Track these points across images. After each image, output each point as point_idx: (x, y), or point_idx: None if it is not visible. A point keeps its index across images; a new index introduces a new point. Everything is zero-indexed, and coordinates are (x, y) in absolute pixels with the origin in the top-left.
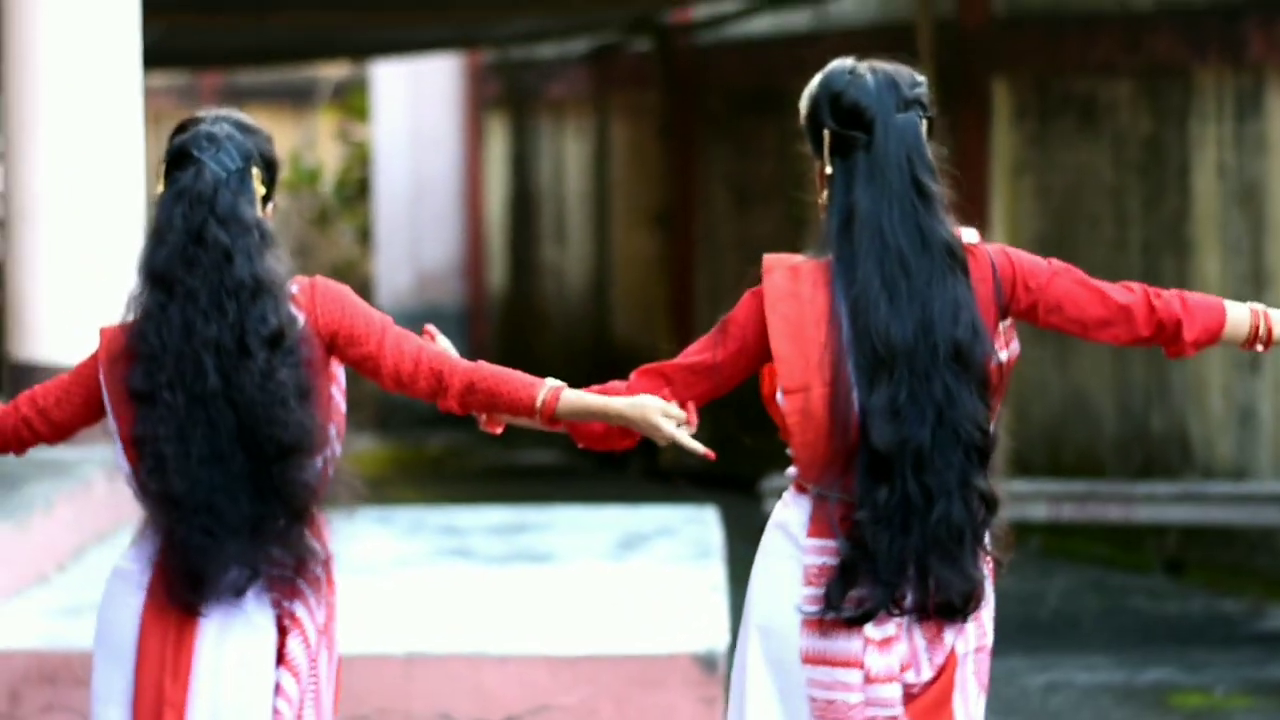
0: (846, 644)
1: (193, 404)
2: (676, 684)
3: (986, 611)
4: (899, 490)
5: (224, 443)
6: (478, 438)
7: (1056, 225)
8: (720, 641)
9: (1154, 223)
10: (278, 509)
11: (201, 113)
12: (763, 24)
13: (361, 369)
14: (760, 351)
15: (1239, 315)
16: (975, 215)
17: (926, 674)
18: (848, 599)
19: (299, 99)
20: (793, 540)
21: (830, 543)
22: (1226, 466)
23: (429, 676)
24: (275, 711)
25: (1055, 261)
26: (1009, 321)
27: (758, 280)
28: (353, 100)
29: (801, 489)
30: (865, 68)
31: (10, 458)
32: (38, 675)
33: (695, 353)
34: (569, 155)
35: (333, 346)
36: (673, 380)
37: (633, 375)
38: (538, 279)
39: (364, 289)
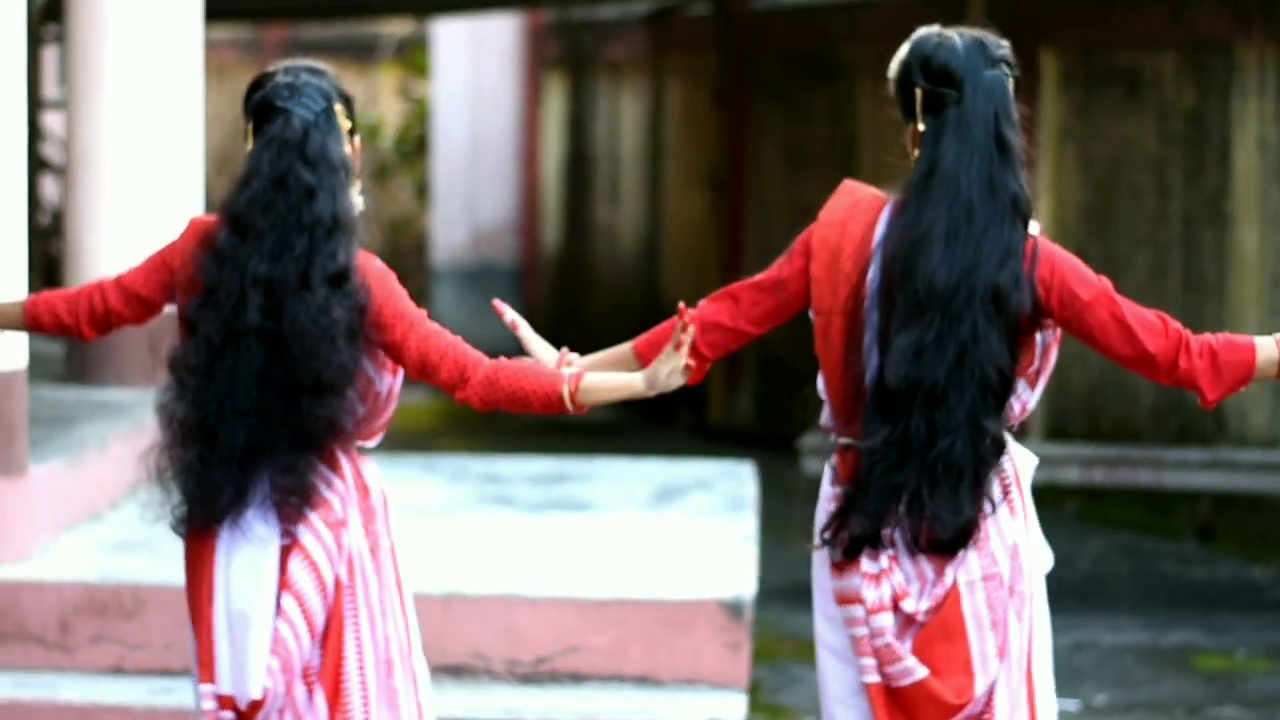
0: (851, 581)
1: (227, 340)
2: (703, 629)
3: (997, 543)
4: (901, 428)
5: (243, 376)
6: None
7: (1100, 194)
8: (747, 589)
9: (1195, 195)
10: (281, 439)
11: (271, 67)
12: None
13: (388, 353)
14: None
15: (1268, 357)
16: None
17: (925, 603)
18: (841, 534)
19: (362, 54)
20: (824, 490)
21: (844, 489)
22: (1260, 436)
23: (464, 616)
24: (275, 631)
25: (1103, 284)
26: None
27: None
28: (414, 57)
29: (839, 451)
30: (953, 31)
31: (70, 398)
32: (88, 607)
33: (763, 273)
34: (625, 116)
35: (394, 319)
36: (739, 299)
37: (703, 302)
38: (591, 238)
39: (420, 244)
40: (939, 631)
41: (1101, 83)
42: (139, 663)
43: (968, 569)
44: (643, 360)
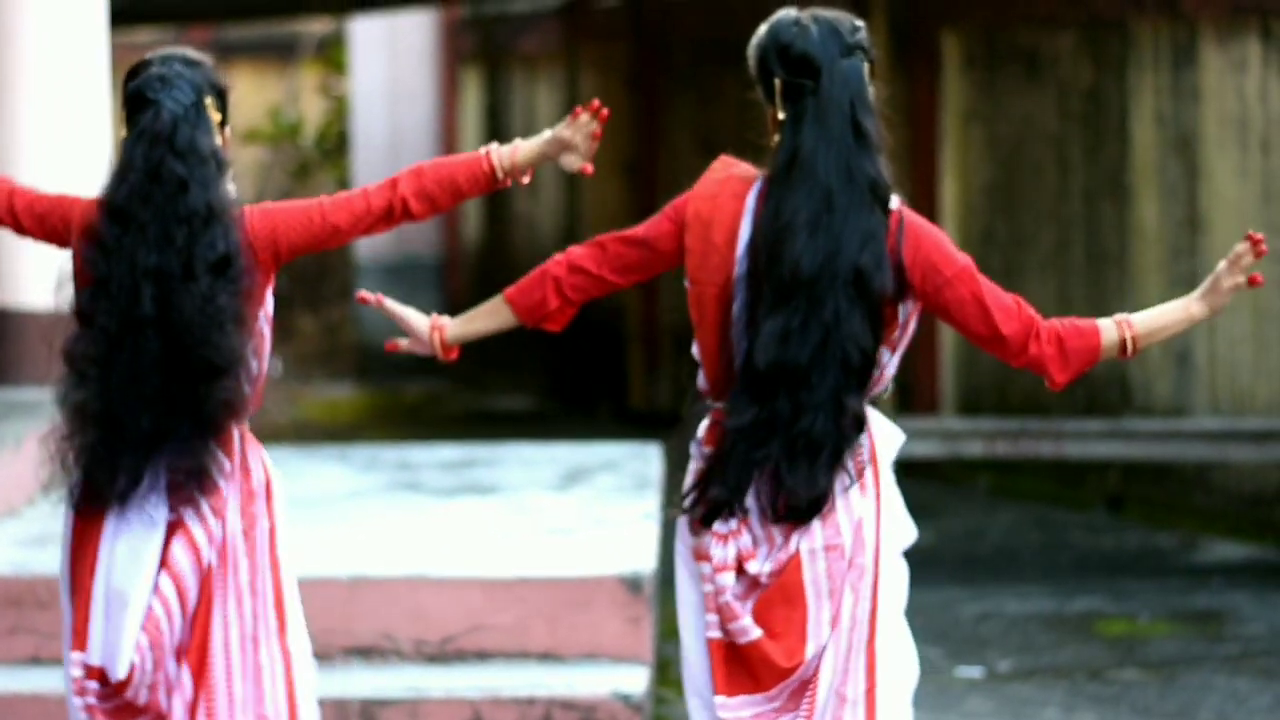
0: (703, 540)
1: (123, 329)
2: (604, 604)
3: (843, 517)
4: (768, 408)
5: (145, 365)
6: (454, 385)
7: (1004, 173)
8: (646, 565)
9: (1095, 170)
10: (183, 424)
11: (149, 56)
12: None
13: (326, 243)
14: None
15: (1110, 340)
16: (926, 163)
17: (769, 565)
18: (702, 500)
19: (283, 53)
20: (695, 448)
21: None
22: (1164, 406)
23: (371, 599)
24: (148, 609)
25: (965, 262)
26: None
27: None
28: (334, 55)
29: (702, 398)
30: (809, 17)
31: None
32: (4, 600)
33: (633, 229)
34: (541, 108)
35: (281, 250)
36: (606, 249)
37: (573, 247)
38: (511, 229)
39: None
40: (779, 595)
41: (1003, 62)
42: (55, 652)
43: (811, 538)
44: (513, 305)
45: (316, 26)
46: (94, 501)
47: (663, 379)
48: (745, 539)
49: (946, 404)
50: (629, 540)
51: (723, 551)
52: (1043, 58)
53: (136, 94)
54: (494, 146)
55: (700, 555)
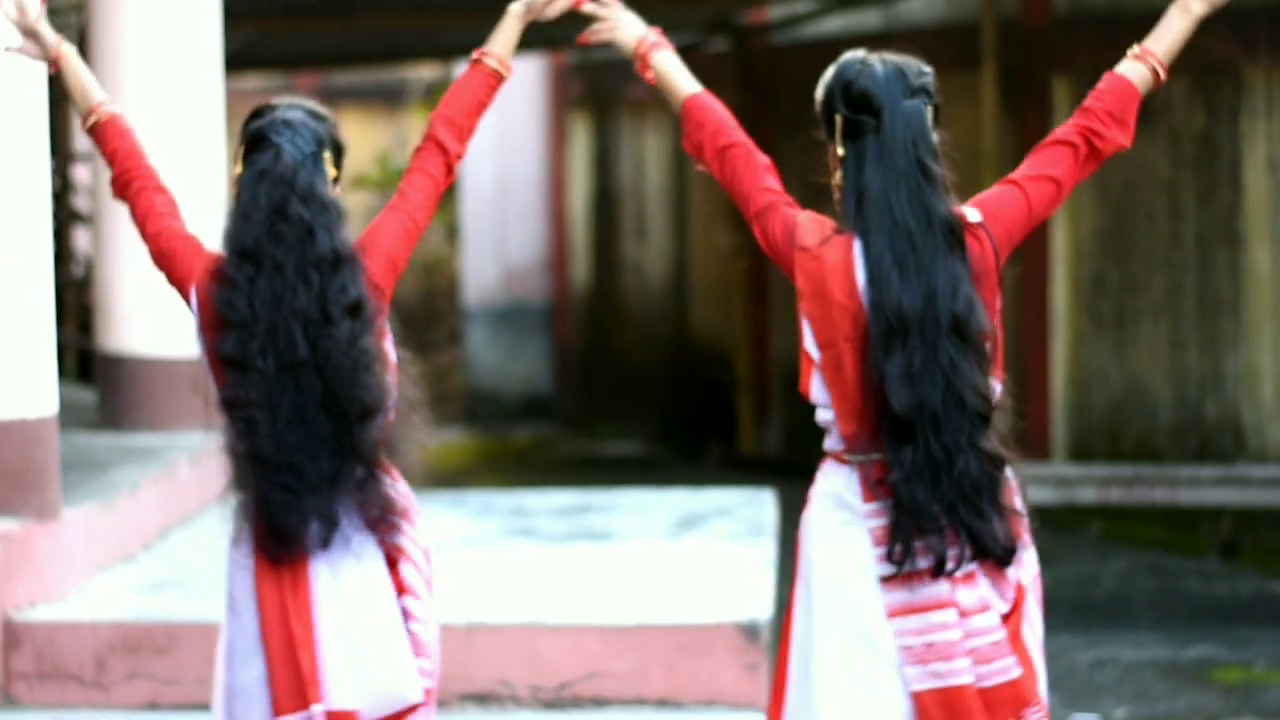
0: (934, 589)
1: (282, 371)
2: (721, 651)
3: (1027, 553)
4: (923, 448)
5: (309, 407)
6: (564, 430)
7: (1115, 219)
8: (763, 612)
9: (1207, 216)
10: (355, 464)
11: (275, 100)
12: (835, 24)
13: (426, 218)
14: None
15: (1142, 77)
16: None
17: (1004, 607)
18: (917, 552)
19: (391, 99)
20: (849, 507)
21: (881, 505)
22: (1278, 452)
23: (488, 645)
24: (411, 634)
25: (1016, 179)
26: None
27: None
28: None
29: (840, 459)
30: (875, 58)
31: (103, 444)
32: (122, 646)
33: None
34: (649, 153)
35: (399, 270)
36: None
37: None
38: (619, 275)
39: (452, 285)
40: (1013, 632)
41: None
42: (173, 698)
43: (1024, 569)
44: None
45: (424, 72)
46: (287, 549)
47: (772, 424)
48: (984, 581)
49: (1058, 449)
50: (745, 587)
51: (974, 593)
52: (1155, 103)
53: (258, 134)
54: (484, 50)
55: (923, 607)
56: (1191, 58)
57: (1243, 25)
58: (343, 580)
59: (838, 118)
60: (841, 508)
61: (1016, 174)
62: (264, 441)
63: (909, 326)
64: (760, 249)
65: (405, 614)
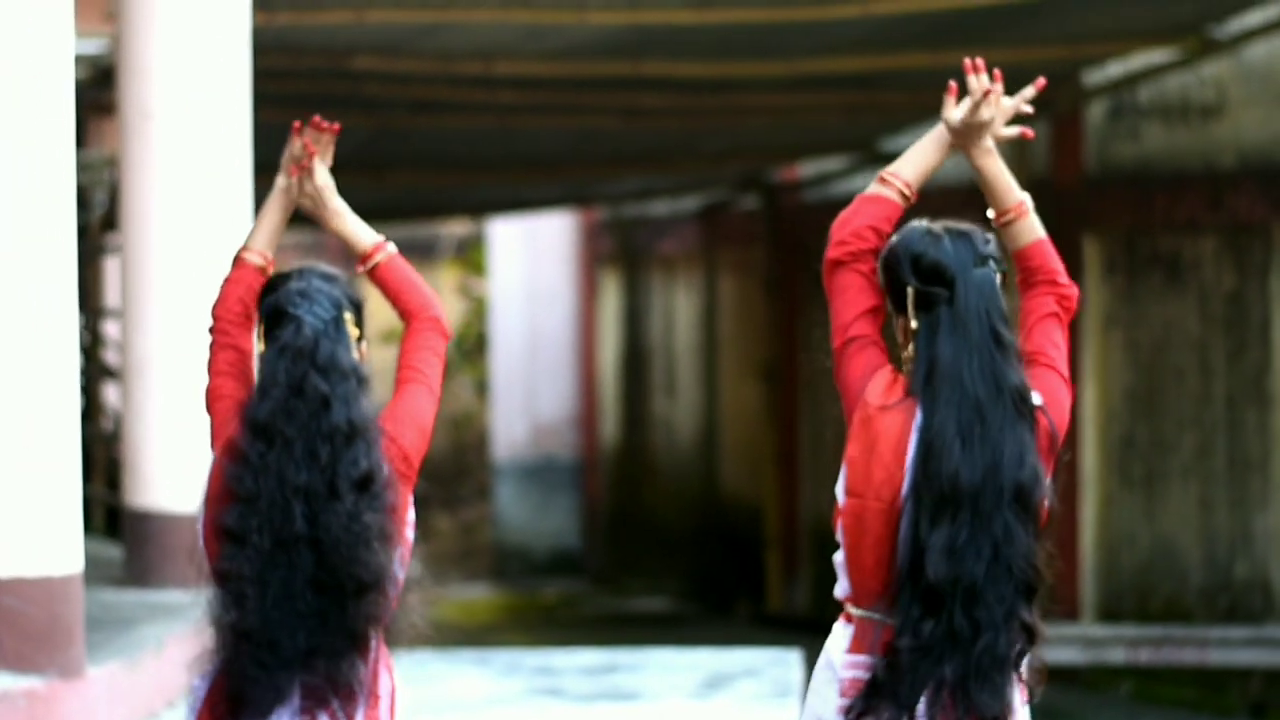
0: None
1: (276, 547)
2: None
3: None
4: (945, 623)
5: (298, 583)
6: (592, 586)
7: (1145, 378)
8: None
9: (1237, 375)
10: (337, 641)
11: (285, 270)
12: (865, 181)
13: (438, 364)
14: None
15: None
16: (1067, 367)
17: None
18: (869, 712)
19: (423, 254)
20: (830, 664)
21: (867, 658)
22: None
23: None
24: None
25: (1060, 370)
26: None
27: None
28: (473, 256)
29: (849, 618)
30: (940, 228)
31: (129, 601)
32: None
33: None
34: (679, 309)
35: (426, 445)
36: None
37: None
38: (649, 430)
39: (481, 440)
40: None
41: (1143, 267)
42: None
43: None
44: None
45: (456, 228)
46: (234, 715)
47: (801, 582)
48: None
49: (1087, 610)
50: None
51: None
52: (1184, 262)
53: (276, 309)
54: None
55: None
56: (1221, 217)
57: (1272, 185)
58: None
59: (909, 290)
60: (827, 666)
61: (1059, 365)
62: (250, 617)
63: (961, 499)
64: (835, 387)
65: None
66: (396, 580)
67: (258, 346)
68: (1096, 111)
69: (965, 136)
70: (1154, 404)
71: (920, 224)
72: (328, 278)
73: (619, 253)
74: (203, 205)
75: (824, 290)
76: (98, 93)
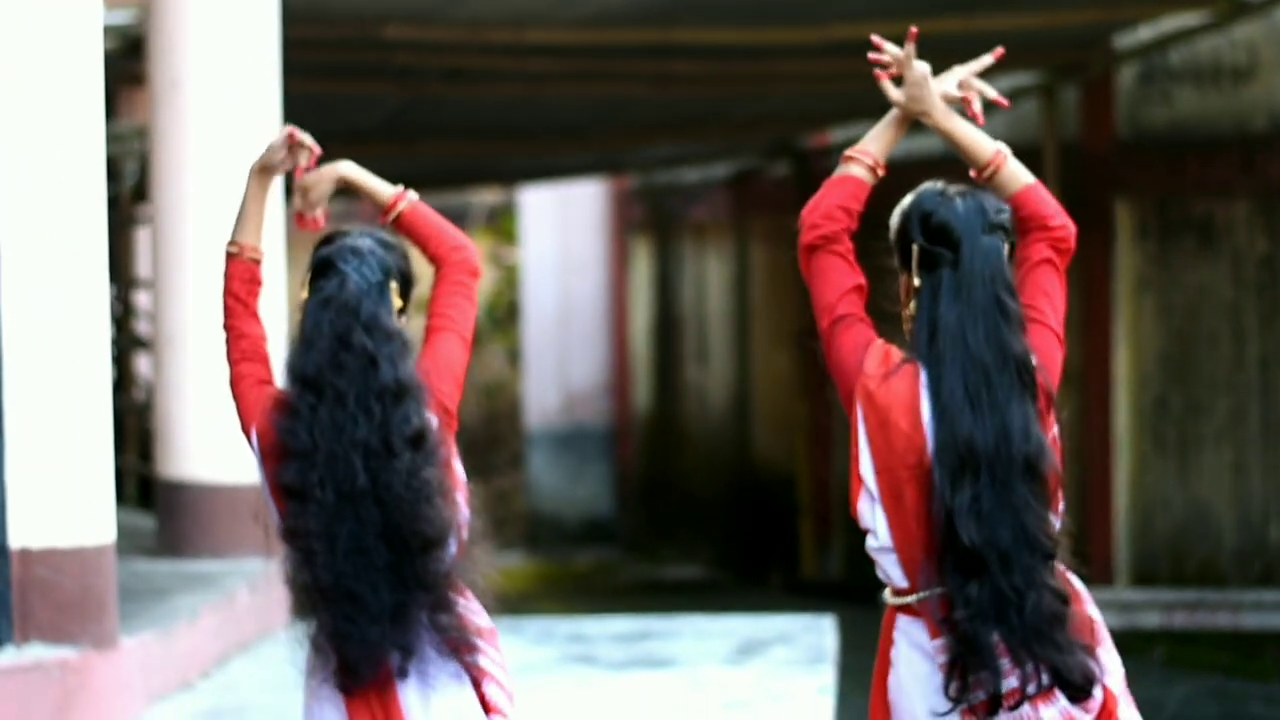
0: (1015, 715)
1: (342, 501)
2: None
3: (1107, 655)
4: (989, 586)
5: (369, 538)
6: (625, 554)
7: (1177, 342)
8: None
9: (1270, 339)
10: (420, 593)
11: (346, 227)
12: (896, 148)
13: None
14: (845, 358)
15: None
16: (1100, 333)
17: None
18: (972, 688)
19: (454, 222)
20: (920, 647)
21: (945, 641)
22: None
23: None
24: None
25: (1054, 328)
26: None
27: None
28: (505, 224)
29: (911, 612)
30: (955, 190)
31: (162, 571)
32: None
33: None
34: (711, 277)
35: (461, 377)
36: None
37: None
38: (681, 398)
39: (513, 409)
40: None
41: (1176, 231)
42: None
43: (1110, 673)
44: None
45: (487, 196)
46: (356, 681)
47: (834, 549)
48: (1060, 703)
49: (1121, 574)
50: (805, 714)
51: (1054, 709)
52: (1216, 226)
53: (326, 260)
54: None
55: None
56: (1253, 180)
57: None
58: (433, 706)
59: (914, 247)
60: (913, 648)
61: (1051, 320)
62: (322, 572)
63: (979, 462)
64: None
65: None
66: (460, 532)
67: (300, 295)
68: (1127, 75)
69: (914, 106)
70: (1187, 368)
71: (936, 184)
72: (385, 244)
73: (650, 220)
74: (233, 175)
75: (803, 278)
76: (128, 63)
